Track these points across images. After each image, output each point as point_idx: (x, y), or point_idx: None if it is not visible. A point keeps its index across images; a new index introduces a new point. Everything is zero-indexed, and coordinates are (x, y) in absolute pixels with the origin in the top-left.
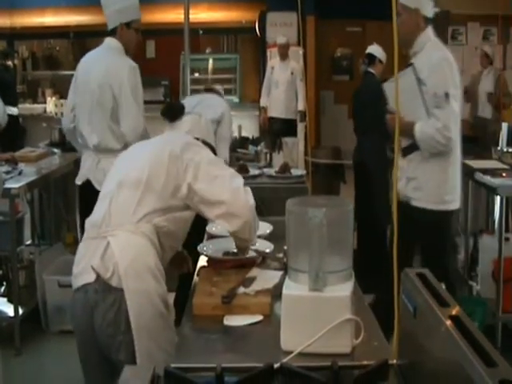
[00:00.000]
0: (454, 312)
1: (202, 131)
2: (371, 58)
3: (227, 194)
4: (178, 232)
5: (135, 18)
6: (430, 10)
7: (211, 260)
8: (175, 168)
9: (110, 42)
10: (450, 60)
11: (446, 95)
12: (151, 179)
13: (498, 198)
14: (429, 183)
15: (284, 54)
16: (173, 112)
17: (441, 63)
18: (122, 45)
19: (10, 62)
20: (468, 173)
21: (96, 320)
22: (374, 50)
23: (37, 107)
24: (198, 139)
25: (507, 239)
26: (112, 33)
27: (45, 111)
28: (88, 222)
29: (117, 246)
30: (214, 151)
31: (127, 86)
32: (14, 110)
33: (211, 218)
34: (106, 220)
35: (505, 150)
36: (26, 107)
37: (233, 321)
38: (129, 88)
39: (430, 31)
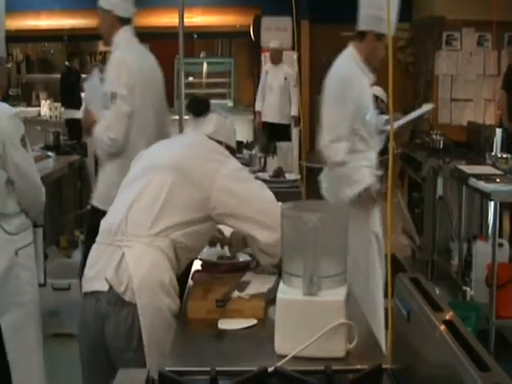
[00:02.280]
0: (447, 317)
1: (227, 134)
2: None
3: (260, 206)
4: (195, 246)
5: (386, 34)
6: (125, 11)
7: (206, 264)
8: (202, 177)
9: (351, 46)
10: (125, 60)
11: (113, 95)
12: (175, 186)
13: (491, 204)
14: (100, 184)
15: (276, 59)
16: (198, 106)
17: (113, 62)
18: (364, 52)
19: (73, 64)
20: (462, 178)
21: (107, 331)
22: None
23: (31, 110)
24: (221, 143)
25: (501, 245)
26: (360, 35)
27: (39, 114)
28: (103, 224)
29: (131, 259)
30: (236, 156)
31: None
32: (78, 113)
33: (241, 232)
34: (121, 228)
35: (499, 155)
36: (20, 110)
37: (227, 324)
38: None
39: (125, 31)
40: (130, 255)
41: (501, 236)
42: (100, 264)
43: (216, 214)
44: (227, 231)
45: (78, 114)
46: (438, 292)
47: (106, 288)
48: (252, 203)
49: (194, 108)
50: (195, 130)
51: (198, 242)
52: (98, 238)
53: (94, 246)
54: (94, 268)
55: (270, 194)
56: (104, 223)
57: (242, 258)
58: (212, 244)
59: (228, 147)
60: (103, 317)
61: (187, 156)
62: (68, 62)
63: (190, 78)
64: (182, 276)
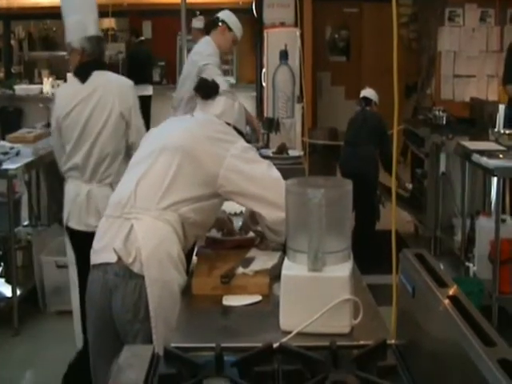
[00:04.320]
0: (452, 292)
1: (235, 116)
2: (367, 101)
3: (267, 185)
4: (203, 222)
5: None
6: None
7: (210, 240)
8: (210, 155)
9: None
10: None
11: None
12: (182, 165)
13: (494, 180)
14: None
15: (195, 38)
16: (207, 89)
17: None
18: None
19: (142, 38)
20: (465, 154)
21: (115, 303)
22: (369, 93)
23: (33, 88)
24: (229, 124)
25: (504, 220)
26: None
27: (41, 92)
28: (111, 199)
29: (140, 231)
30: (245, 138)
31: None
32: (147, 89)
33: (248, 208)
34: (130, 201)
35: (502, 131)
36: (23, 88)
37: (232, 301)
38: None
39: None
40: (139, 227)
41: (504, 212)
42: (108, 236)
43: (223, 191)
44: (237, 208)
45: (149, 90)
46: (442, 267)
47: (114, 260)
48: (259, 182)
49: (202, 90)
50: (203, 111)
51: (206, 217)
52: (107, 212)
53: (102, 220)
54: (102, 240)
55: (277, 173)
56: (112, 198)
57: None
58: (220, 230)
59: (236, 129)
60: (111, 289)
61: (195, 136)
62: (137, 38)
63: None
64: (187, 253)
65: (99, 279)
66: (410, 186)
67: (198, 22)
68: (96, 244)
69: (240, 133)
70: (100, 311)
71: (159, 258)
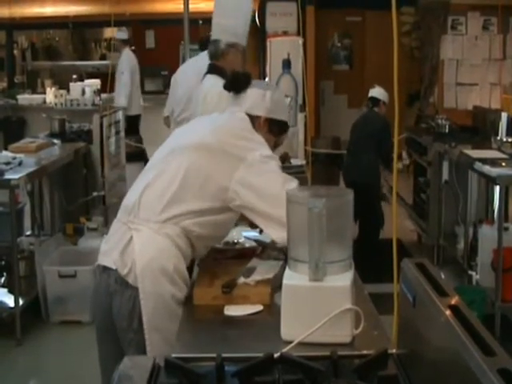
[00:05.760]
0: (453, 302)
1: (267, 106)
2: (375, 101)
3: (277, 202)
4: (210, 235)
5: None
6: None
7: (211, 250)
8: (222, 167)
9: None
10: None
11: None
12: (189, 177)
13: (497, 188)
14: None
15: (119, 49)
16: (239, 83)
17: None
18: None
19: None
20: (467, 162)
21: (114, 308)
22: (377, 92)
23: (36, 97)
24: (259, 117)
25: (506, 229)
26: None
27: (44, 102)
28: (124, 201)
29: (138, 243)
30: (285, 125)
31: None
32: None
33: (256, 223)
34: (135, 209)
35: (504, 139)
36: (26, 97)
37: (233, 311)
38: None
39: None
40: (138, 239)
41: (506, 220)
42: (113, 240)
43: (234, 205)
44: None
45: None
46: (443, 277)
47: (113, 267)
48: (268, 199)
49: (235, 85)
50: (234, 107)
51: (215, 231)
52: (118, 215)
53: (114, 221)
54: (108, 243)
55: (291, 188)
56: (124, 201)
57: (248, 244)
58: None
59: (270, 120)
60: (112, 294)
61: (207, 146)
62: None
63: None
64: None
65: (105, 281)
66: (407, 161)
67: (122, 33)
68: (103, 245)
69: (278, 123)
70: (104, 313)
71: (153, 271)
